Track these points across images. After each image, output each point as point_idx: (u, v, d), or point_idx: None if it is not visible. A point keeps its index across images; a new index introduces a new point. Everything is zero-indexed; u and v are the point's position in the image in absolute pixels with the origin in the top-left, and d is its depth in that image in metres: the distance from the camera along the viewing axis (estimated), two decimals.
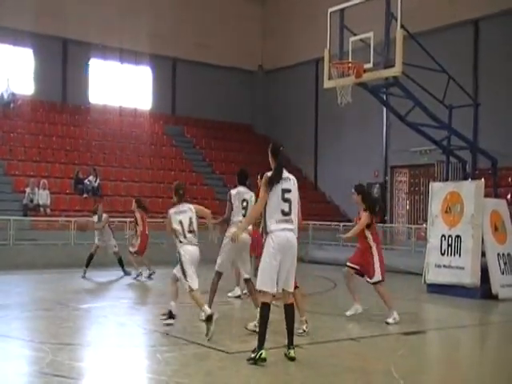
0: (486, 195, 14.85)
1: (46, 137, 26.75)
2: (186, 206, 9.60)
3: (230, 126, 33.44)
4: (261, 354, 7.11)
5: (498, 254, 14.26)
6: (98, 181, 23.94)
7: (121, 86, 31.49)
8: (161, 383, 6.59)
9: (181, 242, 9.37)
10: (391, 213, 28.18)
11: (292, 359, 7.30)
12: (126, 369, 7.36)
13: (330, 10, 15.26)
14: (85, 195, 23.57)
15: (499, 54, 23.99)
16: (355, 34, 14.86)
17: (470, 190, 14.35)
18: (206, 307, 8.95)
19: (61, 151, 26.29)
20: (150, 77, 32.36)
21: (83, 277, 16.04)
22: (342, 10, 15.00)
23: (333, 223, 25.21)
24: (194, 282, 9.14)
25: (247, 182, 10.39)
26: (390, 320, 10.26)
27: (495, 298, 13.68)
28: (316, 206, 28.32)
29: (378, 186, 28.15)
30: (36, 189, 21.95)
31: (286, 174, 7.47)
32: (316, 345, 8.64)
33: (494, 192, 16.29)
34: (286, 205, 7.30)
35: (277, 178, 7.30)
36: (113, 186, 25.18)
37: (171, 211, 9.48)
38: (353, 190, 10.88)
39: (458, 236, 14.11)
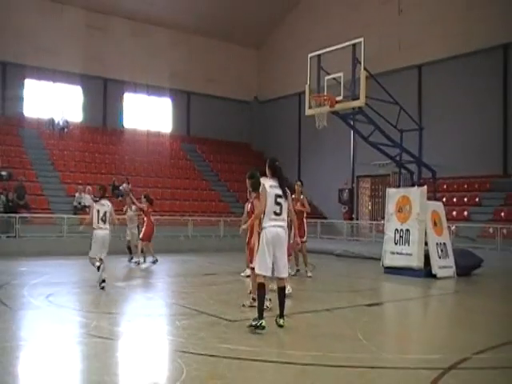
0: (428, 198, 14.92)
1: (90, 153, 26.78)
2: (104, 202, 10.77)
3: (233, 144, 33.44)
4: (261, 323, 7.12)
5: (437, 244, 14.32)
6: (130, 187, 23.94)
7: (148, 113, 31.52)
8: (179, 344, 6.63)
9: (94, 227, 10.64)
10: (357, 212, 28.22)
11: (281, 326, 7.35)
12: (151, 332, 7.40)
13: (310, 55, 15.37)
14: (120, 198, 23.55)
15: (437, 90, 24.32)
16: (329, 74, 14.95)
17: (417, 194, 14.40)
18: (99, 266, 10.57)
19: (102, 164, 26.33)
20: (170, 106, 32.39)
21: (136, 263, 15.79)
22: (319, 56, 15.09)
23: (312, 220, 25.26)
24: (92, 253, 10.72)
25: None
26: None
27: (435, 276, 13.76)
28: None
29: (347, 191, 28.18)
30: (83, 193, 22.01)
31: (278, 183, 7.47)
32: (299, 314, 8.68)
33: (434, 196, 16.35)
34: (278, 207, 7.30)
35: (273, 184, 7.35)
36: (141, 191, 25.12)
37: (94, 204, 10.74)
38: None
39: (407, 230, 14.17)
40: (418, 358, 6.32)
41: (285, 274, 7.45)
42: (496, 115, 22.31)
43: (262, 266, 7.29)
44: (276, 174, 7.50)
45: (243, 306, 8.90)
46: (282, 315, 7.44)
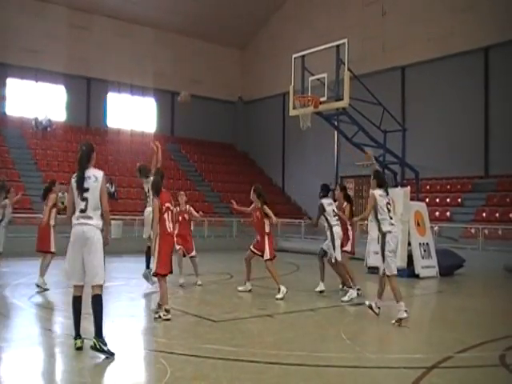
0: (411, 199, 15.02)
1: (74, 153, 26.37)
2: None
3: (217, 145, 33.39)
4: (76, 343, 6.15)
5: (420, 244, 14.43)
6: (114, 187, 23.82)
7: (131, 113, 31.36)
8: (162, 344, 6.61)
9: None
10: None
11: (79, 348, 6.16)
12: (135, 333, 7.37)
13: (294, 55, 15.32)
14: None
15: (420, 92, 24.53)
16: (313, 74, 14.92)
17: (400, 195, 14.48)
18: None
19: None
20: (154, 106, 32.26)
21: None
22: (303, 56, 15.07)
23: (296, 220, 25.37)
24: None
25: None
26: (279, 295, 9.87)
27: (417, 276, 13.89)
28: (283, 207, 28.38)
29: (331, 191, 28.13)
30: (66, 193, 21.82)
31: (89, 172, 6.37)
32: (283, 314, 8.71)
33: (417, 197, 16.43)
34: (83, 203, 6.18)
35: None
36: (125, 192, 25.07)
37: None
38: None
39: None
40: (401, 357, 6.36)
41: (98, 281, 6.13)
42: (478, 117, 22.53)
43: (70, 273, 6.25)
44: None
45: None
46: (97, 334, 6.05)
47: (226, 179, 29.96)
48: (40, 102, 27.95)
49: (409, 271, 13.97)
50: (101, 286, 6.14)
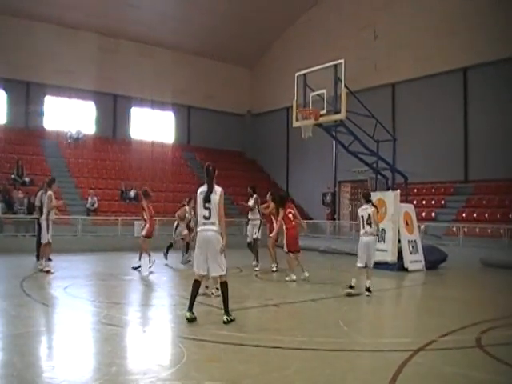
0: (401, 201, 14.98)
1: (102, 161, 26.73)
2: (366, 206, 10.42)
3: (228, 153, 33.36)
4: (186, 315, 6.97)
5: (408, 241, 14.40)
6: (136, 192, 23.91)
7: (152, 125, 31.42)
8: (180, 330, 6.64)
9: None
10: (339, 213, 28.26)
11: (224, 322, 6.90)
12: (155, 320, 7.41)
13: (297, 74, 15.31)
14: (127, 202, 23.56)
15: (408, 106, 24.48)
16: (314, 90, 14.90)
17: (391, 197, 14.48)
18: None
19: (112, 171, 26.26)
20: (172, 119, 32.31)
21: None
22: (304, 75, 15.05)
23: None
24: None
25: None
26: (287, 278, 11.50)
27: (406, 270, 13.87)
28: None
29: (330, 194, 28.21)
30: (94, 197, 21.96)
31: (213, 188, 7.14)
32: (287, 304, 8.72)
33: (406, 199, 16.37)
34: (207, 212, 7.08)
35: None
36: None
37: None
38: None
39: (383, 229, 14.14)
40: (392, 341, 6.38)
41: (215, 273, 6.99)
42: (458, 128, 22.51)
43: (197, 265, 7.04)
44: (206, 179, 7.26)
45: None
46: (225, 311, 7.03)
47: (237, 183, 29.90)
48: (73, 116, 28.14)
49: (399, 265, 13.95)
50: (221, 276, 6.97)
